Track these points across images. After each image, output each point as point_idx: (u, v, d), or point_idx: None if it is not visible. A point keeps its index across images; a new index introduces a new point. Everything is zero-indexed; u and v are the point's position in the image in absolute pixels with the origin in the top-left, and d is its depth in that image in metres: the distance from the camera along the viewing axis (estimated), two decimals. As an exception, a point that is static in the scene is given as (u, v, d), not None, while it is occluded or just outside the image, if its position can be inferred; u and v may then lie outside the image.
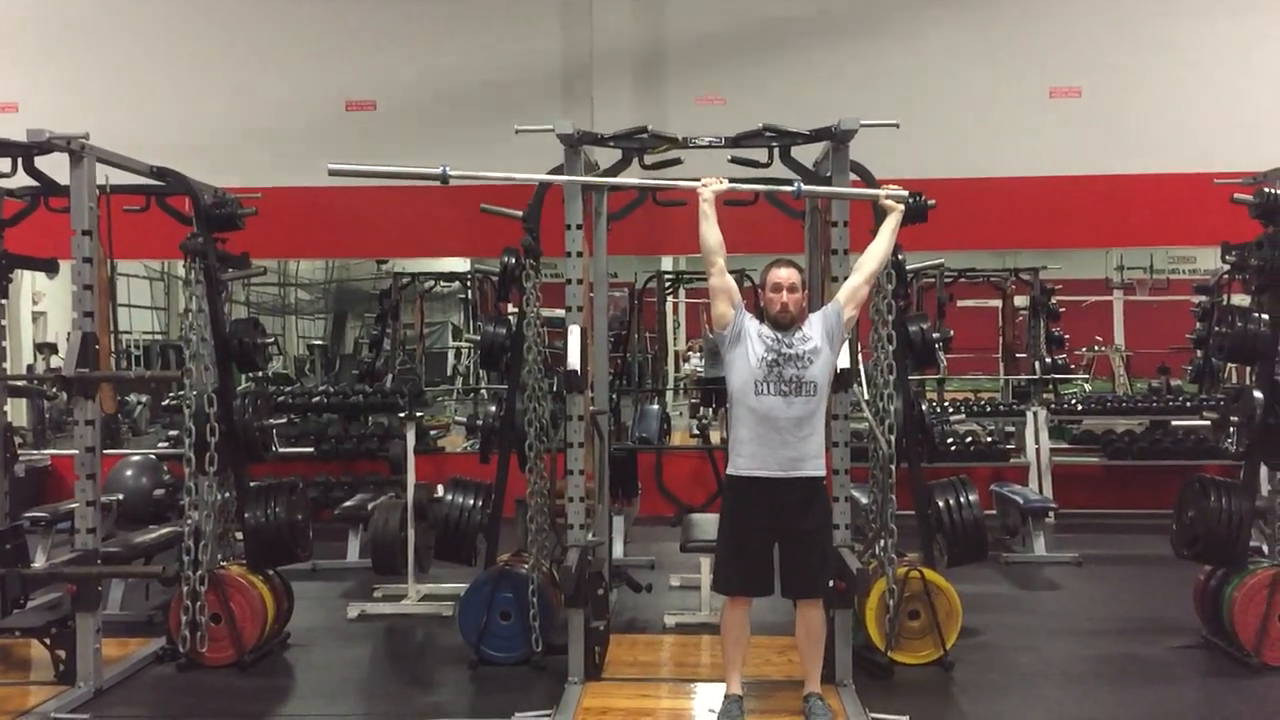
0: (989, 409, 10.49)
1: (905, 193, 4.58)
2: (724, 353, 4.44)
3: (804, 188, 4.66)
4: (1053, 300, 11.36)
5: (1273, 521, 5.38)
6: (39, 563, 6.39)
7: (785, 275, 4.41)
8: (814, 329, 4.41)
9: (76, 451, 4.95)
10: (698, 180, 4.50)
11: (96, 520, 4.95)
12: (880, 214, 4.65)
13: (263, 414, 5.65)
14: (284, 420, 9.20)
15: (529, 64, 9.53)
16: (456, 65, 9.57)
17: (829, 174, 5.06)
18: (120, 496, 7.66)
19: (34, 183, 5.29)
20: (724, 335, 4.41)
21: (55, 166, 5.11)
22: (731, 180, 4.56)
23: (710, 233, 4.42)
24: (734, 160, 5.34)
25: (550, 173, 5.34)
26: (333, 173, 4.38)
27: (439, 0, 9.64)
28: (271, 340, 6.10)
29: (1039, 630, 6.02)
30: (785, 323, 4.38)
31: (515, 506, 6.04)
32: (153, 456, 8.52)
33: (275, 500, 5.48)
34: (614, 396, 9.91)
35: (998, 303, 12.10)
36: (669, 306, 13.81)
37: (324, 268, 16.21)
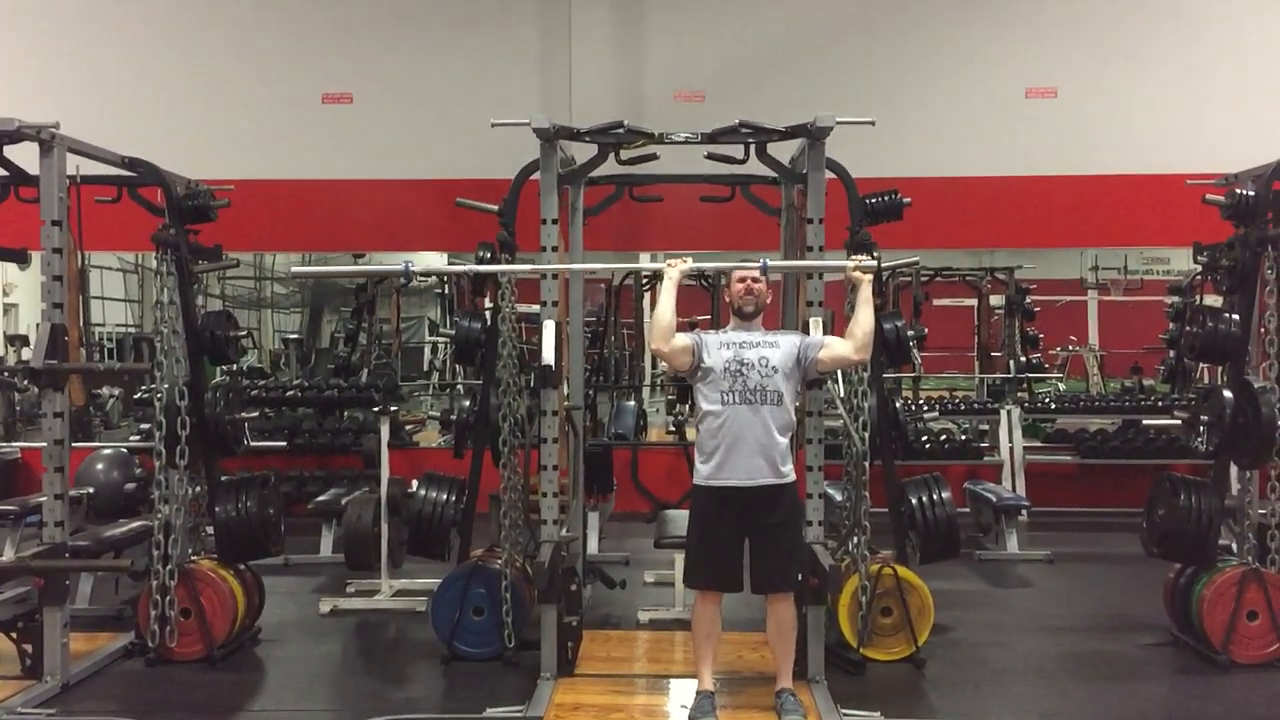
0: (963, 407, 10.55)
1: (873, 263, 4.57)
2: (697, 377, 4.44)
3: (770, 264, 4.56)
4: (1028, 299, 11.42)
5: (1241, 520, 5.42)
6: (6, 556, 6.32)
7: (749, 270, 4.48)
8: (786, 341, 4.47)
9: (45, 444, 4.90)
10: (663, 264, 4.54)
11: (65, 513, 4.91)
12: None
13: (234, 407, 5.61)
14: (258, 414, 9.16)
15: (507, 57, 9.50)
16: (434, 59, 9.52)
17: (805, 170, 5.06)
18: (91, 490, 7.58)
19: (3, 172, 5.23)
20: (694, 366, 4.42)
21: (25, 156, 5.06)
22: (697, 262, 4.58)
23: (667, 308, 4.41)
24: (710, 156, 5.34)
25: (524, 169, 5.34)
26: (295, 276, 4.38)
27: (417, -7, 9.63)
28: (244, 333, 6.06)
29: (1011, 627, 6.05)
30: (749, 312, 4.44)
31: (489, 502, 6.02)
32: (124, 450, 8.45)
33: (246, 494, 5.44)
34: (590, 392, 9.88)
35: (973, 301, 12.14)
36: (646, 302, 13.78)
37: (300, 261, 16.10)
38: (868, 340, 4.45)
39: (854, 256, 4.69)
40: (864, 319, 4.44)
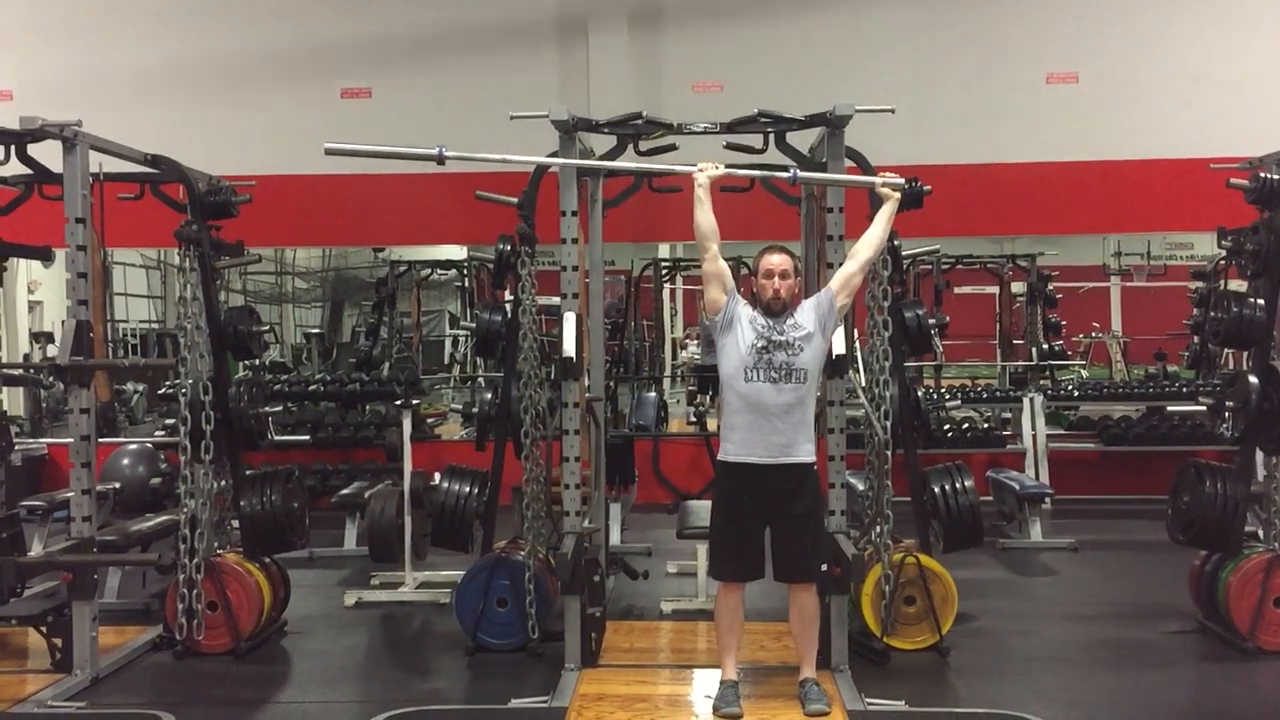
0: (986, 395, 10.51)
1: (901, 180, 4.57)
2: (716, 338, 4.45)
3: (800, 174, 4.65)
4: (1050, 286, 11.35)
5: (1268, 506, 5.38)
6: (35, 551, 6.38)
7: (777, 262, 4.41)
8: (806, 315, 4.41)
9: (72, 440, 4.94)
10: (694, 165, 4.49)
11: (92, 508, 4.95)
12: (877, 201, 4.66)
13: (258, 402, 5.65)
14: (281, 408, 9.22)
15: (524, 50, 9.51)
16: (451, 53, 9.55)
17: (824, 160, 5.04)
18: (117, 485, 7.64)
19: (27, 170, 5.27)
20: (716, 321, 4.42)
21: (49, 154, 5.09)
22: (729, 166, 4.55)
23: (704, 218, 4.41)
24: (729, 146, 5.32)
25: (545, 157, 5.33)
26: (329, 152, 4.37)
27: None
28: (267, 328, 6.10)
29: (1035, 615, 6.02)
30: (777, 309, 4.39)
31: (511, 494, 6.04)
32: (149, 445, 8.51)
33: (271, 488, 5.47)
34: (611, 384, 9.91)
35: (995, 289, 12.09)
36: (666, 294, 13.79)
37: (321, 256, 16.19)
38: (875, 253, 4.52)
39: (881, 173, 4.70)
40: (877, 234, 4.49)
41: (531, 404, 5.34)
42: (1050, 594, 6.61)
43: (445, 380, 14.06)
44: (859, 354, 5.85)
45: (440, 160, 4.38)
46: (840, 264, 4.85)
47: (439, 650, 5.50)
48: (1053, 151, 9.20)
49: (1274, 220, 5.31)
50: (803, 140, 5.26)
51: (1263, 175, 5.34)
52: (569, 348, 4.89)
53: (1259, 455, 5.49)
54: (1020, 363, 11.43)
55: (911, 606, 5.21)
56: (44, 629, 4.95)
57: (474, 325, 6.10)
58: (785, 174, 4.63)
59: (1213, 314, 5.69)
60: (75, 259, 4.87)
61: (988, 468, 8.64)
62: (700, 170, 4.44)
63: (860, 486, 5.71)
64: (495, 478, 5.65)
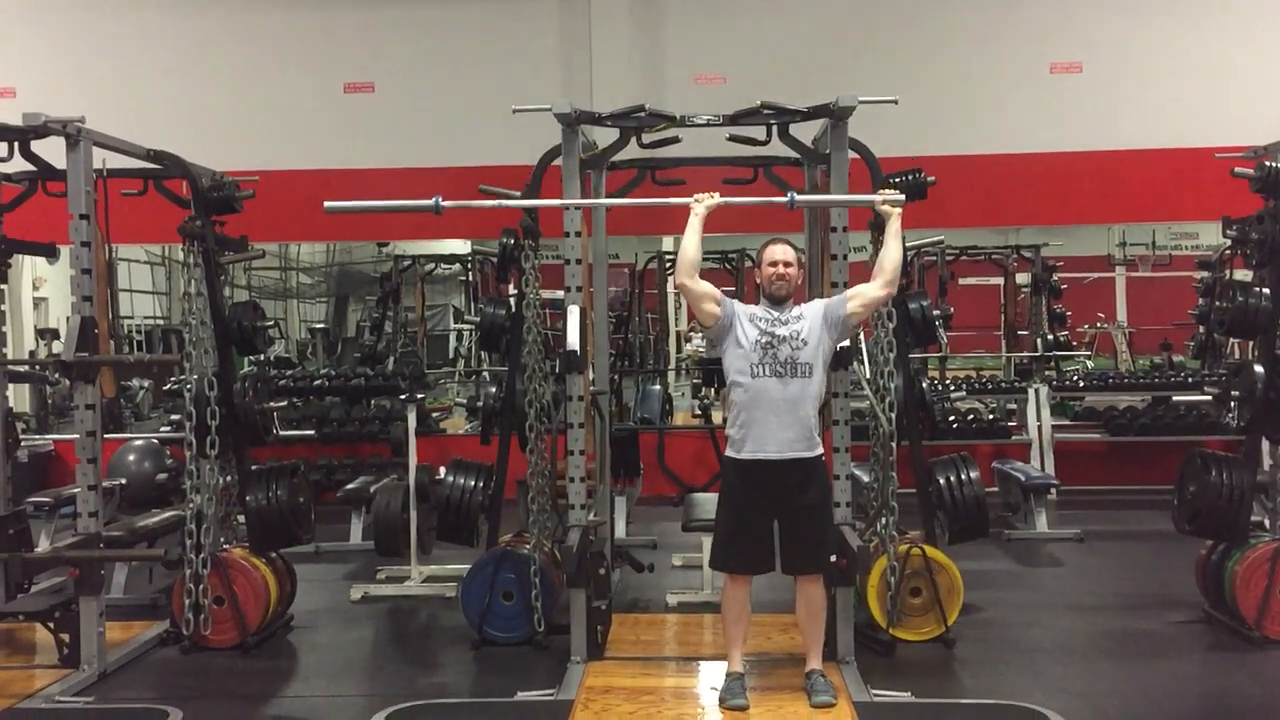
0: (991, 386, 10.50)
1: (901, 196, 4.55)
2: (719, 344, 4.46)
3: (797, 198, 4.60)
4: (1054, 277, 11.33)
5: (1274, 495, 5.37)
6: (42, 547, 6.40)
7: (781, 251, 4.45)
8: (811, 310, 4.44)
9: (78, 436, 4.95)
10: (690, 198, 4.51)
11: (99, 504, 4.96)
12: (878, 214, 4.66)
13: (263, 397, 5.66)
14: (286, 403, 9.22)
15: (527, 42, 9.50)
16: (454, 46, 9.54)
17: (828, 150, 5.04)
18: (123, 481, 7.66)
19: (31, 167, 5.27)
20: (719, 328, 4.42)
21: (52, 150, 5.09)
22: (725, 196, 4.55)
23: (694, 245, 4.42)
24: (732, 138, 5.32)
25: (546, 155, 5.33)
26: (329, 210, 4.43)
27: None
28: (271, 324, 6.10)
29: (1041, 606, 6.02)
30: (781, 296, 4.42)
31: (516, 488, 6.04)
32: (155, 441, 8.52)
33: (277, 483, 5.48)
34: (615, 377, 9.90)
35: (999, 280, 12.07)
36: (670, 287, 13.77)
37: (325, 251, 16.19)
38: (895, 274, 4.47)
39: (882, 190, 4.68)
40: (892, 253, 4.45)
41: (536, 398, 5.34)
42: (1056, 585, 6.61)
43: (450, 374, 14.05)
44: (864, 346, 5.85)
45: (437, 210, 4.43)
46: (844, 256, 4.88)
47: (445, 644, 5.51)
48: (1057, 141, 9.17)
49: (1279, 209, 5.30)
50: (806, 131, 5.25)
51: (1268, 164, 5.33)
52: (573, 341, 4.89)
53: (1265, 444, 5.49)
54: (1025, 354, 11.40)
55: (917, 598, 5.21)
56: (51, 624, 4.97)
57: (478, 319, 6.11)
58: (783, 199, 4.61)
59: (1218, 303, 5.70)
60: (80, 255, 4.87)
61: (993, 459, 8.63)
62: (697, 200, 4.46)
63: (865, 478, 5.71)
64: (500, 472, 5.65)
